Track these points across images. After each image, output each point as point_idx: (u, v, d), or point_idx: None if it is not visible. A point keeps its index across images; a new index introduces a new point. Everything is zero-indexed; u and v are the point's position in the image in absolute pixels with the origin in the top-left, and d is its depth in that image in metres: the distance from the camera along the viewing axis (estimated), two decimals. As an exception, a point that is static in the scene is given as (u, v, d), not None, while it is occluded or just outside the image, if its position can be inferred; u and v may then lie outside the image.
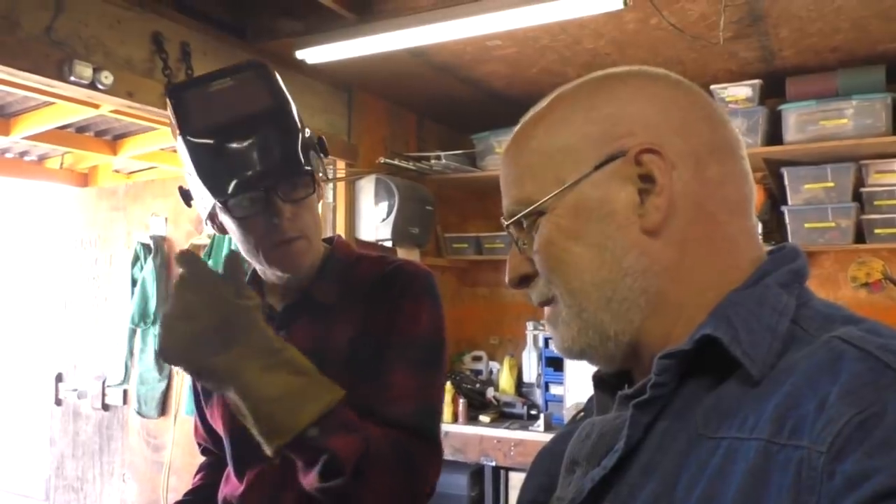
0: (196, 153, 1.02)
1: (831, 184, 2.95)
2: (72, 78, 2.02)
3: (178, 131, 1.04)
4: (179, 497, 1.35)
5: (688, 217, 0.61)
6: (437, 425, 1.13)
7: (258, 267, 1.18)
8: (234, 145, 1.01)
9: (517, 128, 0.70)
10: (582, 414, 0.77)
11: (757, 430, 0.50)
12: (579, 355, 0.66)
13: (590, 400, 0.75)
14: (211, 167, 1.02)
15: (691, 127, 0.63)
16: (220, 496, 1.23)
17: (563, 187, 0.63)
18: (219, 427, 1.24)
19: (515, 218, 0.66)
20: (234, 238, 1.13)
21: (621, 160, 0.61)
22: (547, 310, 0.67)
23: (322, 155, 1.15)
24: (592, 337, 0.63)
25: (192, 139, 1.01)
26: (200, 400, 1.31)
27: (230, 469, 1.22)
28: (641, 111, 0.63)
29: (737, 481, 0.49)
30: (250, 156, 1.01)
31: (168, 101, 1.06)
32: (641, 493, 0.55)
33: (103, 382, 3.72)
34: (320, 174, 1.14)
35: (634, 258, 0.61)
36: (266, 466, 1.15)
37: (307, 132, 1.10)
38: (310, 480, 0.97)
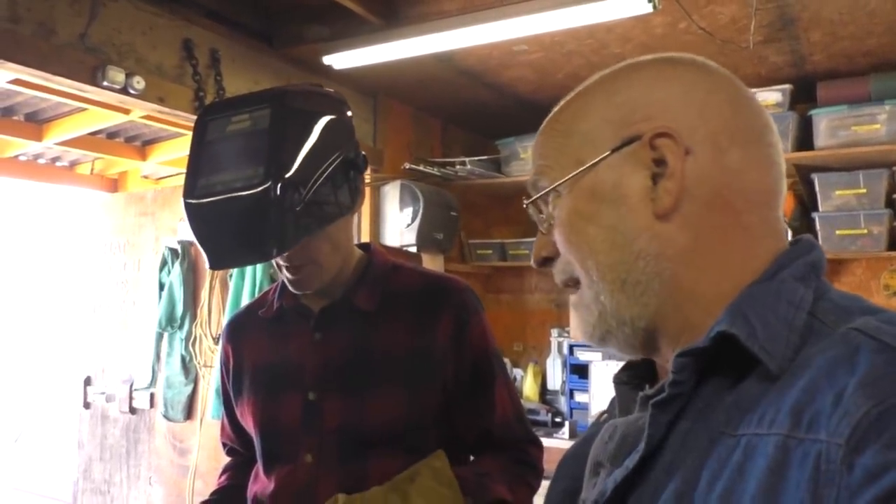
0: (190, 217, 1.01)
1: (863, 190, 2.90)
2: (105, 83, 2.05)
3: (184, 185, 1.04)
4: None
5: (703, 202, 0.60)
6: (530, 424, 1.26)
7: None
8: (217, 219, 0.98)
9: (550, 115, 0.71)
10: (605, 416, 0.76)
11: (776, 424, 0.50)
12: (600, 341, 0.66)
13: (612, 402, 0.75)
14: (198, 234, 1.01)
15: (712, 110, 0.62)
16: (250, 494, 1.24)
17: (581, 169, 0.64)
18: (249, 426, 1.25)
19: (534, 198, 0.68)
20: None
21: (637, 144, 0.62)
22: (572, 296, 0.68)
23: (358, 172, 1.14)
24: (610, 322, 0.63)
25: (187, 201, 0.99)
26: (231, 399, 1.32)
27: (260, 467, 1.23)
28: (660, 95, 0.63)
29: (756, 477, 0.49)
30: (230, 238, 0.99)
31: (195, 125, 1.05)
32: (664, 493, 0.54)
33: (131, 386, 3.76)
34: (350, 191, 1.11)
35: (646, 241, 0.61)
36: (297, 465, 1.16)
37: (328, 165, 1.04)
38: None
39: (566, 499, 0.71)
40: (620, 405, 0.70)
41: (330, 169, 1.04)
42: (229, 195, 0.95)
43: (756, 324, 0.55)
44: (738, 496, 0.49)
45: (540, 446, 1.25)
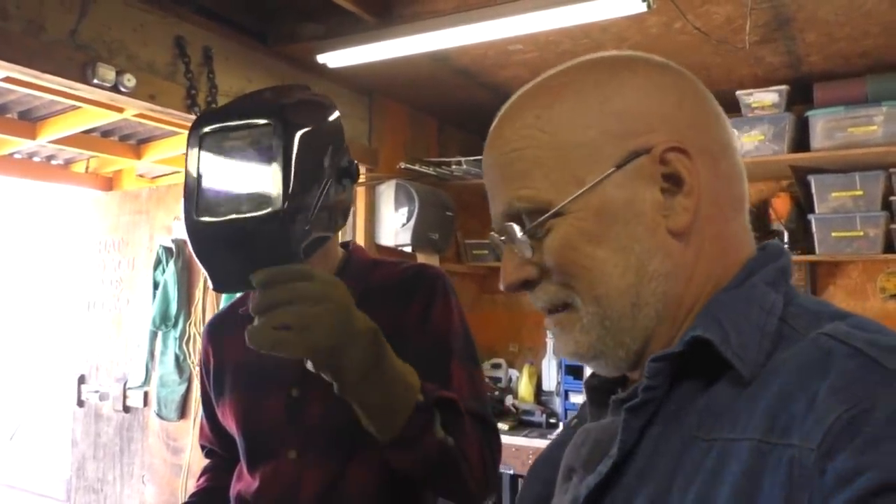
0: (192, 239, 0.96)
1: (860, 192, 2.89)
2: (95, 80, 2.04)
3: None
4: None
5: (705, 215, 0.60)
6: (491, 411, 1.21)
7: None
8: (219, 241, 0.93)
9: (509, 113, 0.65)
10: (576, 420, 0.75)
11: (749, 430, 0.50)
12: (589, 361, 0.63)
13: (583, 406, 0.74)
14: (201, 257, 0.96)
15: (704, 121, 0.62)
16: (233, 493, 1.24)
17: (585, 188, 0.59)
18: (231, 425, 1.24)
19: (534, 225, 0.61)
20: None
21: (645, 158, 0.59)
22: (559, 315, 0.63)
23: (351, 181, 1.11)
24: (608, 343, 0.61)
25: (189, 223, 0.94)
26: (211, 400, 1.31)
27: (243, 466, 1.23)
28: (658, 104, 0.61)
29: (730, 482, 0.49)
30: (234, 262, 0.94)
31: (188, 135, 0.99)
32: (637, 498, 0.54)
33: (124, 384, 3.75)
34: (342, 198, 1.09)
35: (660, 261, 0.59)
36: (280, 462, 1.16)
37: (327, 180, 1.02)
38: (428, 445, 0.99)
39: (538, 502, 0.70)
40: (592, 409, 0.69)
41: (329, 183, 1.02)
42: (235, 218, 0.90)
43: (729, 329, 0.55)
44: (713, 501, 0.49)
45: (496, 431, 1.17)
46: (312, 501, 1.13)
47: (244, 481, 1.22)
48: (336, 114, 1.09)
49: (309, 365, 0.89)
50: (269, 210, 0.89)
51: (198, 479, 1.40)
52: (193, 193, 0.94)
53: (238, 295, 1.41)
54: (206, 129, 0.97)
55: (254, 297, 0.87)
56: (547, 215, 0.60)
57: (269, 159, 0.93)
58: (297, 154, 0.94)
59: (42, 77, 2.00)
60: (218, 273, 0.94)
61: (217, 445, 1.36)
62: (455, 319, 1.20)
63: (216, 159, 0.96)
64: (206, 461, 1.41)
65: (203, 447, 1.41)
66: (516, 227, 0.62)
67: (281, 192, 0.90)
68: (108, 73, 2.05)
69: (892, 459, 0.43)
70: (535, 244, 0.62)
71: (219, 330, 1.32)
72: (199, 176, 0.95)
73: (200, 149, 0.96)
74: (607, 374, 0.65)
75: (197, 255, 0.94)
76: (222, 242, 0.91)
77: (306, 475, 1.14)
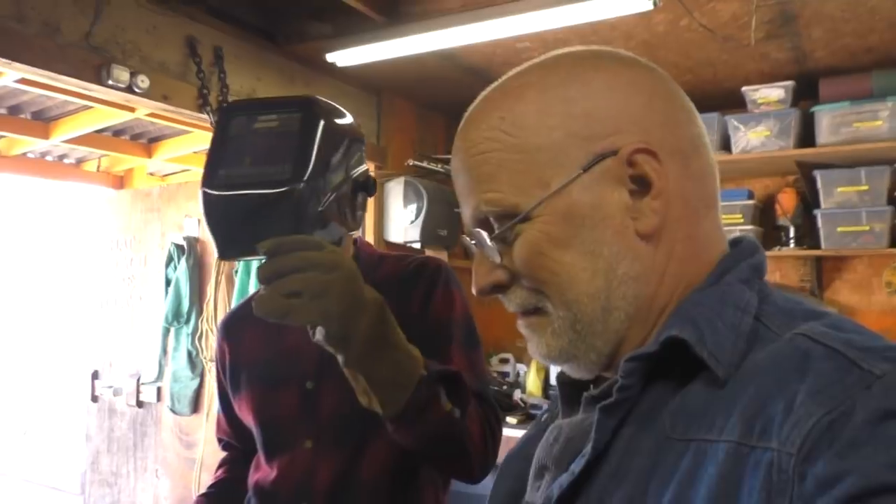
0: (204, 205, 1.00)
1: (865, 187, 2.90)
2: (110, 81, 2.08)
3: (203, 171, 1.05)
4: (196, 498, 1.39)
5: (675, 216, 0.59)
6: (493, 395, 1.21)
7: None
8: (233, 213, 0.97)
9: (474, 115, 0.63)
10: (547, 415, 0.74)
11: (726, 431, 0.49)
12: (561, 364, 0.63)
13: (553, 400, 0.73)
14: (211, 224, 1.00)
15: (674, 119, 0.60)
16: (251, 482, 1.27)
17: (551, 192, 0.58)
18: (248, 419, 1.28)
19: (503, 230, 0.60)
20: None
21: (611, 160, 0.57)
22: (530, 318, 0.62)
23: (367, 195, 1.14)
24: (579, 347, 0.60)
25: (205, 190, 0.99)
26: (227, 395, 1.35)
27: (261, 457, 1.26)
28: (625, 104, 0.59)
29: (707, 483, 0.48)
30: (242, 232, 0.98)
31: (216, 118, 1.05)
32: (611, 499, 0.53)
33: (138, 380, 3.80)
34: (358, 214, 1.12)
35: (629, 264, 0.58)
36: (296, 452, 1.20)
37: (338, 184, 1.04)
38: (434, 417, 0.98)
39: (510, 499, 0.69)
40: (564, 404, 0.68)
41: (346, 185, 1.06)
42: (250, 190, 0.94)
43: (704, 329, 0.54)
44: (690, 502, 0.48)
45: (496, 411, 1.19)
46: (328, 488, 1.17)
47: (262, 471, 1.26)
48: (360, 132, 1.14)
49: (317, 335, 0.88)
50: (286, 187, 0.93)
51: (216, 471, 1.44)
52: (214, 166, 0.98)
53: (252, 292, 1.44)
54: (236, 112, 1.03)
55: (260, 266, 0.87)
56: (514, 221, 0.59)
57: (292, 141, 0.98)
58: (318, 142, 0.99)
59: (58, 79, 2.04)
60: (226, 241, 0.97)
61: (233, 438, 1.40)
62: (456, 307, 1.23)
63: (241, 138, 1.00)
64: (223, 454, 1.45)
65: (220, 440, 1.45)
66: (483, 233, 0.61)
67: (300, 170, 0.95)
68: (122, 74, 2.09)
69: (872, 463, 0.42)
70: (505, 249, 0.61)
71: (234, 326, 1.36)
72: (222, 151, 1.00)
73: (227, 128, 1.02)
74: (580, 376, 0.64)
75: (208, 224, 0.98)
76: (236, 213, 0.95)
77: (321, 463, 1.18)
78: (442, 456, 1.07)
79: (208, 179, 0.97)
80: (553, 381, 3.78)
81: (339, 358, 0.89)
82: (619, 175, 0.57)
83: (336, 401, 1.19)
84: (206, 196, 0.97)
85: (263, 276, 0.83)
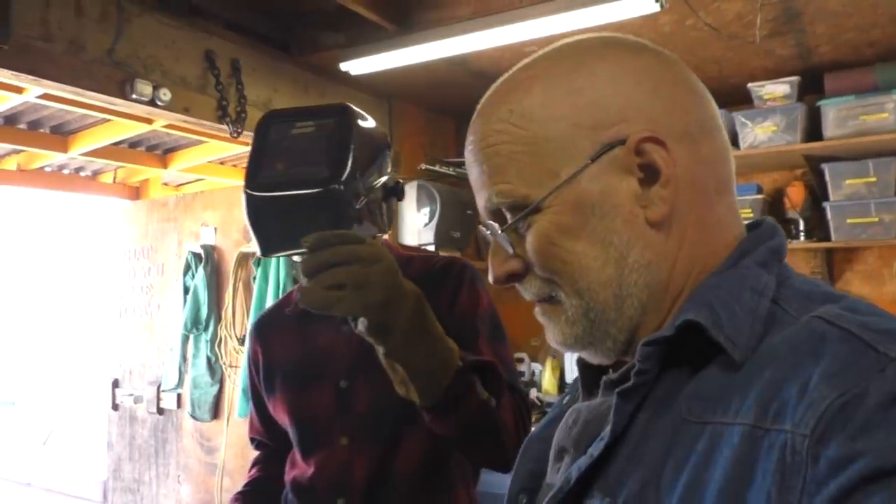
0: (247, 206, 1.06)
1: (873, 178, 2.94)
2: (133, 96, 2.14)
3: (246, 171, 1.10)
4: (233, 496, 1.43)
5: (686, 201, 0.59)
6: (522, 387, 1.24)
7: None
8: (275, 212, 1.02)
9: (484, 108, 0.64)
10: (568, 397, 0.75)
11: (741, 414, 0.49)
12: (578, 351, 0.64)
13: (574, 383, 0.74)
14: (253, 223, 1.06)
15: (681, 104, 0.60)
16: (289, 478, 1.32)
17: (560, 182, 0.58)
18: (284, 419, 1.32)
19: (516, 220, 0.61)
20: None
21: (619, 149, 0.58)
22: (545, 305, 0.64)
23: (397, 200, 1.19)
24: (595, 335, 0.61)
25: (247, 191, 1.04)
26: (260, 396, 1.39)
27: (297, 455, 1.31)
28: (631, 92, 0.59)
29: (722, 466, 0.48)
30: (283, 230, 1.04)
31: (256, 126, 1.11)
32: (628, 481, 0.54)
33: (158, 387, 3.85)
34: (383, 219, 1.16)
35: (640, 252, 0.58)
36: (332, 449, 1.24)
37: (370, 188, 1.09)
38: (471, 406, 1.01)
39: (531, 480, 0.71)
40: (583, 388, 0.69)
41: (377, 188, 1.11)
42: (291, 191, 1.00)
43: (721, 312, 0.54)
44: (705, 485, 0.49)
45: (527, 401, 1.22)
46: (364, 482, 1.22)
47: (299, 468, 1.30)
48: (388, 140, 1.20)
49: (359, 326, 0.90)
50: (326, 187, 0.99)
51: (249, 470, 1.48)
52: (256, 169, 1.04)
53: (279, 297, 1.49)
54: (275, 119, 1.09)
55: (303, 260, 0.91)
56: (525, 211, 0.60)
57: (329, 145, 1.04)
58: (354, 147, 1.05)
59: (84, 94, 2.10)
60: (268, 239, 1.03)
61: (266, 437, 1.44)
62: (482, 303, 1.27)
63: (281, 143, 1.06)
64: (256, 453, 1.50)
65: (252, 440, 1.49)
66: (496, 224, 0.63)
67: (337, 171, 1.00)
68: (145, 88, 2.15)
69: (885, 445, 0.43)
70: (518, 239, 0.62)
71: (267, 329, 1.40)
72: (263, 155, 1.06)
73: (267, 133, 1.08)
74: (598, 362, 0.65)
75: (250, 223, 1.04)
76: (277, 212, 1.01)
77: (358, 459, 1.22)
78: (477, 445, 1.10)
79: (251, 181, 1.03)
80: (568, 379, 3.82)
81: (380, 349, 0.92)
82: (627, 164, 0.58)
83: (370, 398, 1.23)
84: (248, 197, 1.02)
85: (308, 270, 0.85)
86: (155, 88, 2.19)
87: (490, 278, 0.65)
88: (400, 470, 1.22)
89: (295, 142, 1.06)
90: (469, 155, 0.65)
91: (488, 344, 1.23)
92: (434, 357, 0.96)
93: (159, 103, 2.21)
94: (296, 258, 1.19)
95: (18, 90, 2.57)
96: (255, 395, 1.42)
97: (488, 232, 0.64)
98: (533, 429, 0.78)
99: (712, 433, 0.50)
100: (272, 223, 1.02)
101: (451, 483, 1.27)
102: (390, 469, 1.22)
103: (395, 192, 1.17)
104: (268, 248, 1.05)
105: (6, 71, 1.89)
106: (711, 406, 0.52)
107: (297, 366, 1.32)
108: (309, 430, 1.29)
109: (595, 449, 0.56)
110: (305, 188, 1.00)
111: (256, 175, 1.03)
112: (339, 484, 1.24)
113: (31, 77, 1.95)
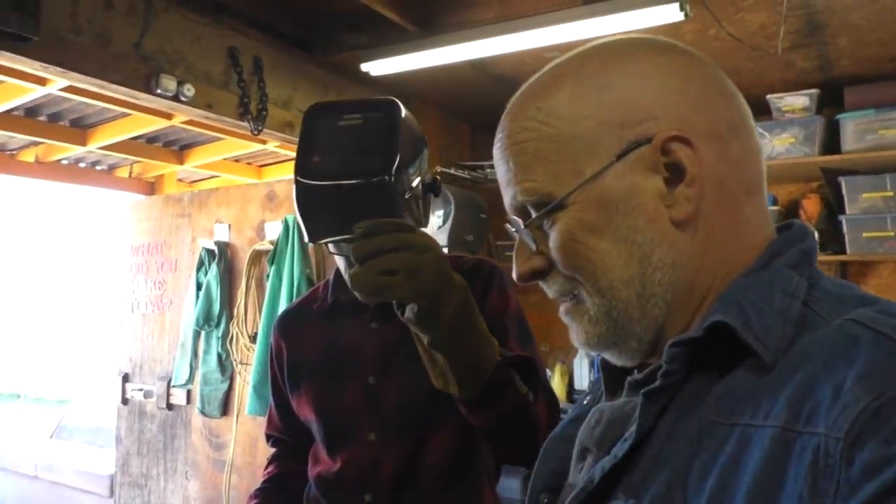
0: (299, 193, 1.09)
1: (890, 192, 2.93)
2: (158, 90, 2.15)
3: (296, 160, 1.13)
4: (242, 494, 1.43)
5: (712, 201, 0.58)
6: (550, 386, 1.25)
7: None
8: (326, 200, 1.05)
9: (513, 107, 0.65)
10: (589, 397, 0.75)
11: (772, 417, 0.49)
12: (602, 351, 0.64)
13: (595, 383, 0.73)
14: (303, 210, 1.09)
15: (710, 104, 0.60)
16: (313, 474, 1.32)
17: (585, 180, 0.58)
18: (308, 414, 1.32)
19: (539, 215, 0.61)
20: None
21: (646, 148, 0.58)
22: (568, 304, 0.64)
23: (434, 195, 1.21)
24: (619, 334, 0.60)
25: (299, 179, 1.08)
26: (282, 391, 1.39)
27: (322, 450, 1.31)
28: (659, 90, 0.59)
29: (752, 469, 0.48)
30: (331, 217, 1.07)
31: (304, 116, 1.14)
32: (654, 483, 0.53)
33: (168, 383, 3.86)
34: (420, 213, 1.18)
35: (664, 251, 0.58)
36: (360, 445, 1.25)
37: (413, 183, 1.12)
38: (510, 399, 1.02)
39: (553, 479, 0.70)
40: (606, 388, 0.69)
41: (420, 183, 1.13)
42: (342, 180, 1.03)
43: (751, 314, 0.54)
44: (734, 487, 0.48)
45: (557, 400, 1.21)
46: (392, 477, 1.22)
47: (324, 463, 1.30)
48: (425, 138, 1.22)
49: (408, 312, 0.89)
50: (378, 177, 1.03)
51: (265, 468, 1.48)
52: (306, 159, 1.07)
53: (293, 295, 1.50)
54: (321, 112, 1.12)
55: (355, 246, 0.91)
56: (548, 208, 0.60)
57: (379, 137, 1.07)
58: (401, 140, 1.08)
59: (109, 87, 2.12)
60: (316, 225, 1.07)
61: (285, 433, 1.44)
62: (511, 304, 1.28)
63: (329, 134, 1.09)
64: (268, 450, 1.50)
65: (269, 437, 1.49)
66: (520, 221, 0.63)
67: (388, 162, 1.04)
68: (170, 83, 2.16)
69: None
70: (542, 236, 0.62)
71: (292, 325, 1.41)
72: (311, 145, 1.08)
73: (315, 124, 1.10)
74: (622, 363, 0.64)
75: (299, 210, 1.07)
76: (327, 199, 1.04)
77: (386, 455, 1.23)
78: (512, 439, 1.10)
79: (302, 170, 1.06)
80: (577, 385, 3.81)
81: (425, 337, 0.91)
82: (652, 162, 0.58)
83: (399, 394, 1.24)
84: (299, 185, 1.05)
85: (360, 255, 0.85)
86: (179, 84, 2.20)
87: (514, 275, 0.65)
88: (427, 466, 1.23)
89: (343, 133, 1.08)
90: (497, 152, 0.65)
91: (518, 343, 1.24)
92: (476, 350, 0.96)
93: (183, 99, 2.22)
94: (331, 248, 1.22)
95: (42, 82, 2.59)
96: (277, 391, 1.42)
97: (513, 229, 0.64)
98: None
99: (741, 435, 0.50)
100: (322, 211, 1.05)
101: (477, 480, 1.28)
102: (417, 465, 1.23)
103: (432, 188, 1.19)
104: (316, 234, 1.08)
105: (35, 62, 1.91)
106: (741, 408, 0.51)
107: (323, 362, 1.33)
108: (336, 426, 1.29)
109: (619, 449, 0.56)
110: (357, 178, 1.03)
111: (307, 164, 1.06)
112: (366, 479, 1.24)
113: (59, 69, 1.96)
